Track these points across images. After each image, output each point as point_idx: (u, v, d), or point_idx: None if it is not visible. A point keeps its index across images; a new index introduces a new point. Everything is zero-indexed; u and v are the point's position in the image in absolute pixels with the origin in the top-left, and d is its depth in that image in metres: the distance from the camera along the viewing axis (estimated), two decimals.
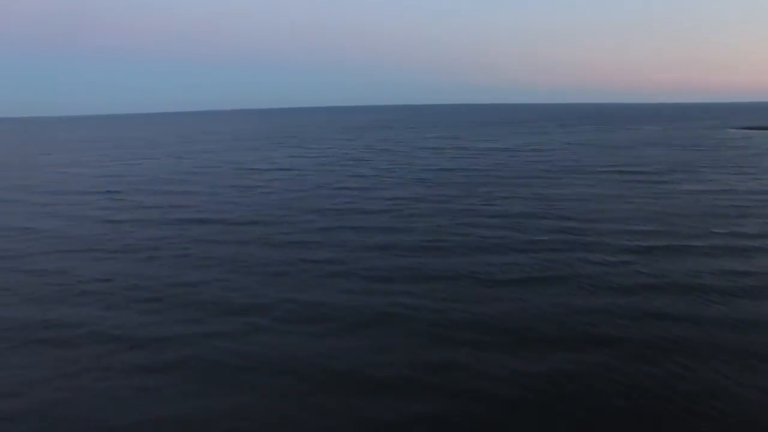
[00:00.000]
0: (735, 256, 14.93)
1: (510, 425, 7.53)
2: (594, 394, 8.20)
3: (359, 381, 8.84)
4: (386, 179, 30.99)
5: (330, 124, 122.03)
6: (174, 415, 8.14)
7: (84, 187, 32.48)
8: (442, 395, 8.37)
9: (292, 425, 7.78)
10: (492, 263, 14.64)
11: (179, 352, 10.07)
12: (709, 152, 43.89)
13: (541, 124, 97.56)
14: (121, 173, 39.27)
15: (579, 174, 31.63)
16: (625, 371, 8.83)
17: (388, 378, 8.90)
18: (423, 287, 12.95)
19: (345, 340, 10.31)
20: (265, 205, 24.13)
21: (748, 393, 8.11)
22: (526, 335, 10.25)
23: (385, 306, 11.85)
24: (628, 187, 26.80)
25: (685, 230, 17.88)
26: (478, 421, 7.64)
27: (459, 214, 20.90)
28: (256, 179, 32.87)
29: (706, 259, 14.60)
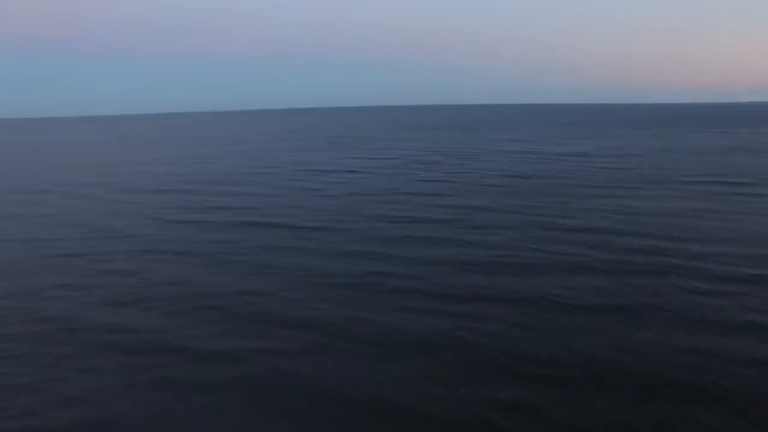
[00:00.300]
0: None
1: None
2: None
3: (418, 417, 8.07)
4: (454, 185, 29.97)
5: (392, 124, 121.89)
6: None
7: (159, 185, 33.79)
8: None
9: None
10: (570, 285, 13.39)
11: (237, 368, 9.73)
12: None
13: (615, 126, 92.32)
14: (192, 172, 40.66)
15: (664, 184, 29.12)
16: None
17: (451, 416, 8.06)
18: (493, 310, 11.97)
19: (406, 368, 9.56)
20: (330, 209, 23.85)
21: None
22: (614, 376, 9.06)
23: (452, 330, 10.99)
24: (724, 201, 24.23)
25: None
26: None
27: (532, 226, 19.59)
28: (322, 181, 32.85)
29: None
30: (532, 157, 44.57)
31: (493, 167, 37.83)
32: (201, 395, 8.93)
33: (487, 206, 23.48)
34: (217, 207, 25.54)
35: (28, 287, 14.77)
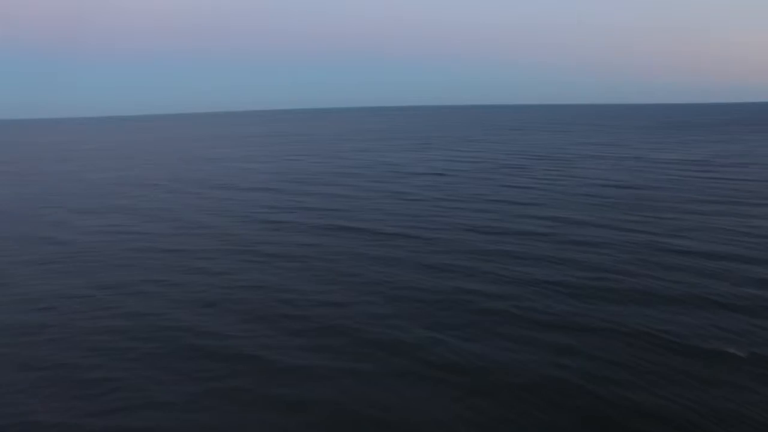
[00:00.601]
0: None
1: None
2: None
3: None
4: (547, 193, 28.13)
5: (476, 124, 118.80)
6: None
7: (250, 183, 35.00)
8: None
9: None
10: (684, 322, 11.68)
11: (317, 389, 9.33)
12: None
13: (725, 129, 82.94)
14: (284, 170, 41.83)
15: None
16: None
17: None
18: (592, 344, 10.66)
19: (489, 406, 8.63)
20: (417, 215, 23.19)
21: None
22: None
23: (545, 366, 9.88)
24: None
25: None
26: None
27: (638, 246, 17.65)
28: (408, 184, 32.28)
29: None
30: (636, 163, 41.02)
31: (591, 174, 35.20)
32: (281, 415, 8.62)
33: (584, 220, 21.64)
34: (302, 207, 25.82)
35: (120, 281, 15.52)
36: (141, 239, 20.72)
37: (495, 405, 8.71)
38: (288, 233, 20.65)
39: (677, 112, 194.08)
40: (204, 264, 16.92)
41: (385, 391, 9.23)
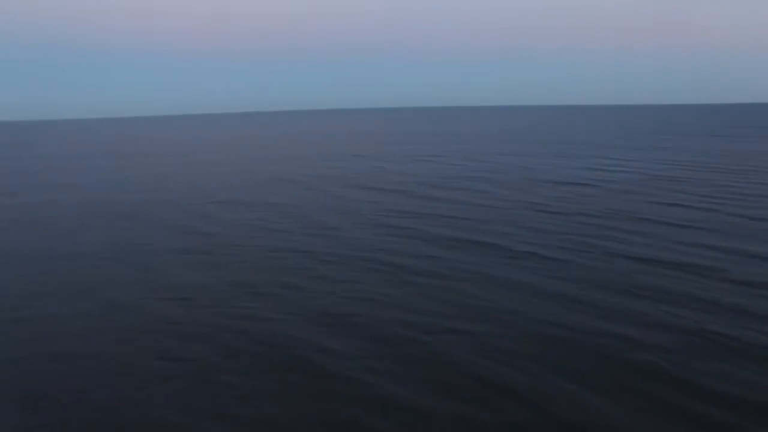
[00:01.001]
0: None
1: None
2: None
3: None
4: (716, 214, 23.93)
5: (612, 128, 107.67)
6: None
7: (382, 184, 35.12)
8: None
9: None
10: None
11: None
12: None
13: None
14: (414, 171, 41.49)
15: None
16: None
17: None
18: None
19: None
20: (554, 231, 21.07)
21: None
22: None
23: None
24: None
25: None
26: None
27: None
28: (545, 195, 29.83)
29: None
30: None
31: None
32: None
33: None
34: (431, 214, 25.02)
35: (249, 278, 16.02)
36: (273, 236, 21.56)
37: None
38: (414, 242, 19.99)
39: None
40: (328, 270, 16.91)
41: None
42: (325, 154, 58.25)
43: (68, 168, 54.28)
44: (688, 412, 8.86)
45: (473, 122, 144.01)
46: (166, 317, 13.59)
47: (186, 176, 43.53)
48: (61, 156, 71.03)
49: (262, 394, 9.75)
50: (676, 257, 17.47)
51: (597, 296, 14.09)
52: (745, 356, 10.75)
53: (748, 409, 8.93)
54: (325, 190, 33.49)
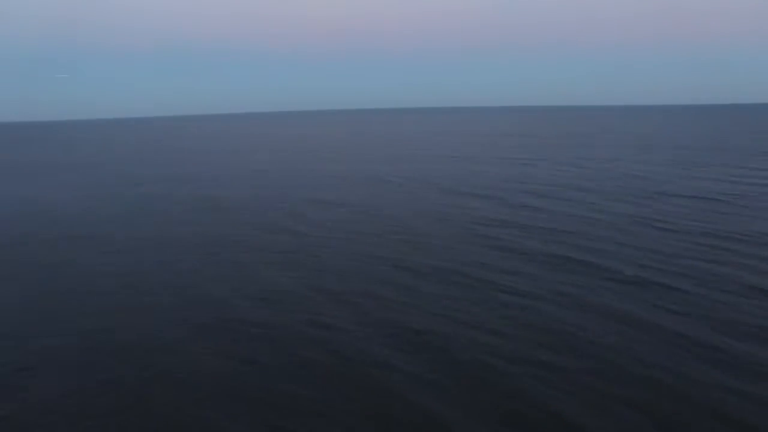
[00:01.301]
0: None
1: None
2: None
3: None
4: None
5: (737, 131, 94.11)
6: None
7: (476, 189, 33.58)
8: None
9: None
10: None
11: None
12: None
13: None
14: (513, 176, 39.32)
15: None
16: None
17: None
18: None
19: None
20: (676, 254, 18.44)
21: None
22: None
23: None
24: None
25: None
26: None
27: None
28: (661, 209, 26.58)
29: None
30: None
31: None
32: None
33: None
34: (530, 225, 23.24)
35: (337, 286, 15.66)
36: (361, 240, 21.22)
37: None
38: (507, 256, 18.56)
39: None
40: (413, 281, 16.13)
41: None
42: (416, 155, 57.56)
43: (185, 162, 58.92)
44: None
45: (562, 122, 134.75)
46: (246, 318, 13.64)
47: (279, 173, 45.13)
48: (175, 149, 77.53)
49: (321, 410, 9.22)
50: None
51: (723, 340, 11.87)
52: None
53: None
54: (419, 192, 32.76)
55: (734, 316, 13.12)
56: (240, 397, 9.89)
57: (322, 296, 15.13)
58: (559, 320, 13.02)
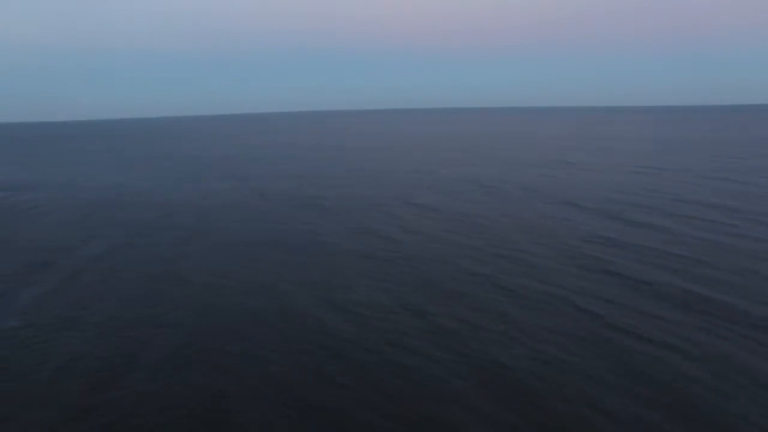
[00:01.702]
0: None
1: None
2: None
3: None
4: None
5: None
6: None
7: (585, 201, 30.81)
8: None
9: None
10: None
11: None
12: None
13: None
14: (625, 187, 35.53)
15: None
16: None
17: None
18: None
19: None
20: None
21: None
22: None
23: None
24: None
25: None
26: None
27: None
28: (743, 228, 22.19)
29: None
30: None
31: None
32: None
33: None
34: (644, 247, 20.55)
35: (420, 301, 14.92)
36: (459, 253, 20.22)
37: None
38: (617, 284, 16.49)
39: None
40: (510, 307, 14.88)
41: None
42: (529, 159, 54.52)
43: (304, 158, 61.47)
44: None
45: (670, 125, 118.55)
46: (331, 332, 13.42)
47: (381, 172, 45.12)
48: (293, 145, 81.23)
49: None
50: None
51: None
52: None
53: None
54: (525, 201, 30.81)
55: None
56: (302, 425, 9.58)
57: (410, 316, 14.49)
58: (680, 374, 11.11)
